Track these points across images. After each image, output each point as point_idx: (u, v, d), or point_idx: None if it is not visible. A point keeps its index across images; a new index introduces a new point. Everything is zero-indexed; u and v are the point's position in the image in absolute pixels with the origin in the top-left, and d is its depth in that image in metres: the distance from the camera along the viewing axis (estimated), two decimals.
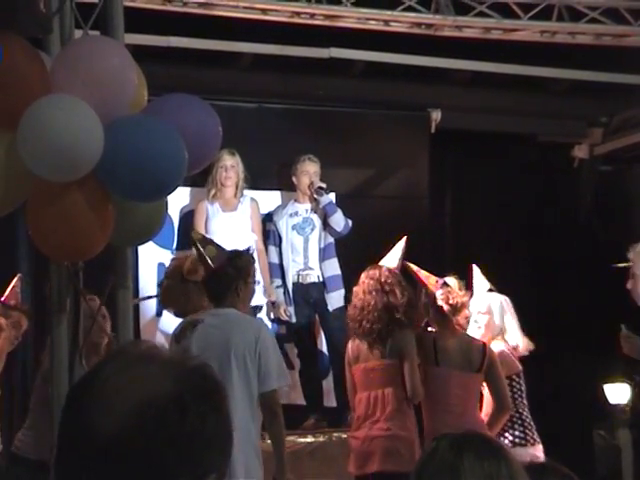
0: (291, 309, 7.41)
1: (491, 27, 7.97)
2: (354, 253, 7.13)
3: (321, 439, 6.90)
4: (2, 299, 6.03)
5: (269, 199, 7.85)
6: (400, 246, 6.00)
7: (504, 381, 5.78)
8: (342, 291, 7.18)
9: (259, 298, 6.88)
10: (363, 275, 5.84)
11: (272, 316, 7.47)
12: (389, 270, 5.79)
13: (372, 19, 7.80)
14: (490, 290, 6.17)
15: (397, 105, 8.50)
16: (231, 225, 7.31)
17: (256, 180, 7.68)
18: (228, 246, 5.56)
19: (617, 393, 8.05)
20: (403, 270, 5.96)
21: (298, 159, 7.57)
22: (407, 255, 6.07)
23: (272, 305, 7.42)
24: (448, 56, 8.23)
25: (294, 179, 7.58)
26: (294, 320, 7.42)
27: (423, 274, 5.89)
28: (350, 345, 5.80)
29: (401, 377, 5.56)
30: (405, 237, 6.04)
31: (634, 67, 8.45)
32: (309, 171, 7.52)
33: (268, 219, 7.67)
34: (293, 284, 7.41)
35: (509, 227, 9.09)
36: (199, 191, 7.53)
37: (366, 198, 8.42)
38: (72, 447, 1.35)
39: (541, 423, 6.04)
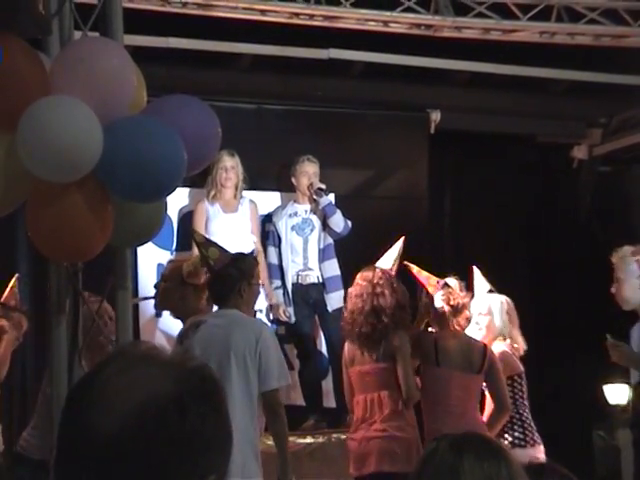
0: (290, 310, 7.41)
1: (490, 28, 7.97)
2: (353, 254, 7.14)
3: (320, 440, 6.90)
4: (1, 300, 6.03)
5: (268, 200, 7.86)
6: (397, 247, 6.00)
7: (504, 382, 5.78)
8: (342, 292, 7.16)
9: (260, 301, 6.88)
10: (357, 277, 5.86)
11: (271, 317, 7.47)
12: (382, 271, 5.79)
13: (371, 20, 7.80)
14: (490, 291, 6.17)
15: (396, 106, 8.50)
16: (232, 226, 7.31)
17: (255, 181, 7.68)
18: (229, 247, 5.57)
19: (616, 394, 8.05)
20: (403, 271, 5.96)
21: (297, 160, 7.57)
22: (406, 256, 6.07)
23: (270, 307, 7.43)
24: (447, 57, 8.24)
25: (293, 180, 7.59)
26: (293, 321, 7.42)
27: (424, 275, 5.90)
28: (346, 347, 5.81)
29: (396, 379, 5.57)
30: (402, 238, 6.03)
31: (633, 68, 8.45)
32: (308, 172, 7.52)
33: (267, 220, 7.68)
34: (292, 285, 7.41)
35: (508, 228, 9.10)
36: (198, 192, 7.53)
37: (365, 199, 8.42)
38: (72, 448, 1.35)
39: (541, 423, 6.04)
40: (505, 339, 6.07)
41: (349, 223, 7.41)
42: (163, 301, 5.59)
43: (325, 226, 7.43)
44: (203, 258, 5.27)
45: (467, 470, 1.80)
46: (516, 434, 5.88)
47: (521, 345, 6.10)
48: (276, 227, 7.50)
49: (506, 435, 5.84)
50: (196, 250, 5.94)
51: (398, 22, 7.82)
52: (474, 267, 6.21)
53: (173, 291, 5.42)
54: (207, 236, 6.92)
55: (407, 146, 8.59)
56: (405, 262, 6.00)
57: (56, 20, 4.11)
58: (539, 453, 5.91)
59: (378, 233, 6.96)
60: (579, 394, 8.25)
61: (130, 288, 4.30)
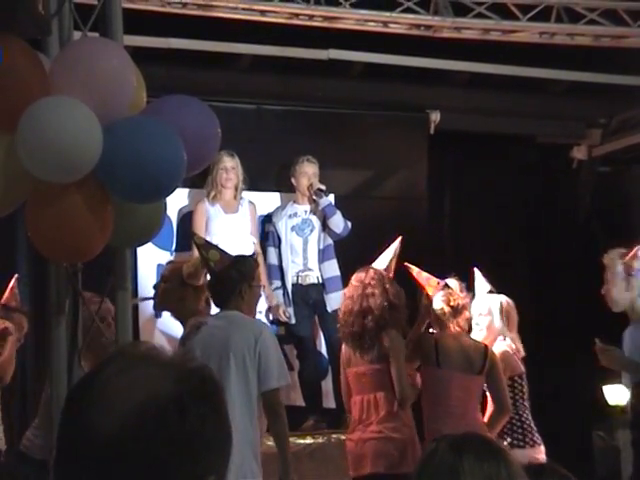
0: (290, 310, 7.41)
1: (490, 28, 7.97)
2: (353, 254, 7.13)
3: (320, 440, 6.90)
4: (2, 301, 6.03)
5: (268, 200, 7.86)
6: (393, 247, 6.00)
7: (504, 383, 5.78)
8: (341, 292, 7.14)
9: (260, 303, 6.88)
10: (352, 278, 5.88)
11: (271, 317, 7.47)
12: (375, 272, 5.80)
13: (371, 20, 7.80)
14: (490, 292, 6.17)
15: (396, 106, 8.50)
16: (233, 227, 7.32)
17: (255, 181, 7.68)
18: (230, 248, 5.57)
19: (616, 394, 8.05)
20: (403, 272, 5.96)
21: (297, 160, 7.57)
22: (406, 256, 6.08)
23: (269, 308, 7.43)
24: (447, 57, 8.24)
25: (293, 180, 7.59)
26: (293, 321, 7.43)
27: (424, 276, 5.90)
28: (343, 348, 5.84)
29: (391, 381, 5.59)
30: (400, 238, 6.03)
31: (633, 68, 8.45)
32: (308, 172, 7.52)
33: (267, 220, 7.68)
34: (292, 285, 7.42)
35: (508, 228, 9.10)
36: (198, 192, 7.53)
37: (365, 199, 8.42)
38: (72, 448, 1.35)
39: (540, 424, 6.04)
40: (505, 339, 6.07)
41: (349, 224, 7.42)
42: (163, 302, 5.59)
43: (325, 227, 7.43)
44: (204, 260, 5.29)
45: (467, 470, 1.80)
46: (515, 435, 5.88)
47: (517, 346, 6.09)
48: (276, 228, 7.51)
49: (505, 436, 5.84)
50: (196, 251, 5.96)
51: (398, 23, 7.82)
52: (475, 269, 6.21)
53: (173, 292, 5.43)
54: (208, 236, 6.96)
55: (407, 146, 8.59)
56: (405, 263, 6.00)
57: (56, 20, 4.11)
58: (539, 454, 5.91)
59: (378, 233, 6.95)
60: (579, 394, 8.25)
61: (130, 288, 4.30)
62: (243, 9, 7.46)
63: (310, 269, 7.43)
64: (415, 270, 5.94)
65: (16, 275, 6.27)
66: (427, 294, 5.84)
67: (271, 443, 5.21)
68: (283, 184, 7.82)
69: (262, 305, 7.15)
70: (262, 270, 7.04)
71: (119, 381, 1.35)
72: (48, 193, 3.74)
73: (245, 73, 8.11)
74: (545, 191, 9.32)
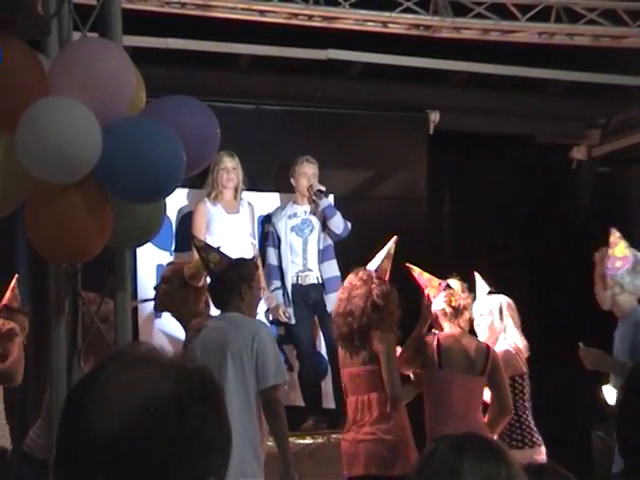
0: (290, 310, 7.41)
1: (489, 28, 7.97)
2: (352, 254, 7.13)
3: (320, 440, 6.91)
4: (4, 302, 6.02)
5: (268, 201, 7.86)
6: (387, 247, 6.01)
7: (506, 384, 5.77)
8: None
9: (260, 306, 6.90)
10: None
11: (270, 318, 7.47)
12: (363, 273, 5.81)
13: (370, 20, 7.80)
14: (490, 292, 6.17)
15: (395, 106, 8.50)
16: (234, 227, 7.33)
17: (255, 181, 7.69)
18: (230, 248, 5.59)
19: (615, 394, 8.04)
20: (404, 272, 5.96)
21: (296, 161, 7.57)
22: (405, 256, 6.07)
23: (268, 310, 7.43)
24: (446, 57, 8.24)
25: (292, 181, 7.59)
26: (293, 321, 7.43)
27: (426, 277, 5.90)
28: (339, 349, 5.87)
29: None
30: (394, 237, 6.03)
31: (632, 68, 8.46)
32: (307, 173, 7.52)
33: (267, 221, 7.68)
34: (292, 285, 7.42)
35: (507, 228, 9.09)
36: (197, 193, 7.53)
37: (364, 199, 8.42)
38: (71, 448, 1.35)
39: (540, 424, 6.04)
40: (507, 338, 6.06)
41: (349, 225, 7.42)
42: (163, 303, 5.61)
43: (325, 227, 7.43)
44: (203, 262, 5.31)
45: (467, 471, 1.80)
46: (514, 435, 5.88)
47: (518, 346, 6.08)
48: (275, 228, 7.51)
49: (504, 436, 5.84)
50: (196, 253, 5.99)
51: (397, 23, 7.82)
52: (475, 272, 6.21)
53: (174, 293, 5.44)
54: (209, 236, 6.99)
55: (406, 147, 8.59)
56: (407, 264, 6.00)
57: (55, 21, 4.11)
58: (538, 454, 5.90)
59: (377, 234, 6.94)
60: (578, 394, 8.24)
61: (129, 289, 4.30)
62: (242, 9, 7.46)
63: (310, 269, 7.43)
64: (416, 271, 5.94)
65: (16, 275, 6.27)
66: (428, 295, 5.84)
67: (271, 443, 5.21)
68: (282, 184, 7.82)
69: (261, 307, 7.16)
70: (261, 273, 7.05)
71: (119, 382, 1.35)
72: (47, 194, 3.73)
73: (244, 73, 8.11)
74: (544, 191, 9.31)
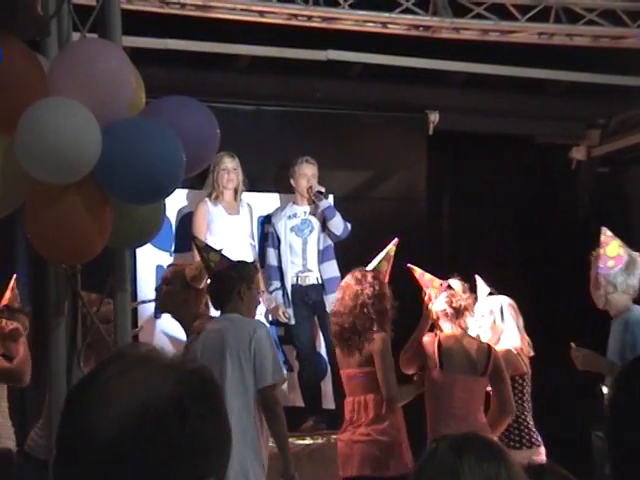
0: (290, 311, 7.41)
1: (488, 29, 7.97)
2: (352, 255, 7.13)
3: (319, 441, 6.91)
4: (5, 302, 6.01)
5: (267, 201, 7.86)
6: (387, 249, 6.01)
7: (508, 384, 5.77)
8: None
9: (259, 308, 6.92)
10: None
11: (270, 318, 7.47)
12: (358, 274, 5.84)
13: (369, 21, 7.80)
14: (490, 293, 6.17)
15: (395, 107, 8.50)
16: (234, 228, 7.34)
17: (254, 182, 7.69)
18: (230, 249, 5.61)
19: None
20: (406, 273, 5.96)
21: (296, 161, 7.57)
22: (405, 257, 6.08)
23: (267, 311, 7.43)
24: (445, 58, 8.24)
25: (292, 181, 7.59)
26: (293, 322, 7.43)
27: (427, 277, 5.90)
28: (336, 349, 5.90)
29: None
30: (395, 240, 6.03)
31: (632, 69, 8.46)
32: (307, 173, 7.52)
33: (267, 221, 7.68)
34: (292, 286, 7.42)
35: (507, 228, 9.10)
36: (197, 193, 7.53)
37: (364, 200, 8.42)
38: (71, 449, 1.35)
39: (539, 424, 6.03)
40: (508, 338, 6.06)
41: (349, 226, 7.42)
42: (165, 304, 5.61)
43: (324, 227, 7.44)
44: (204, 261, 5.33)
45: (467, 471, 1.80)
46: (512, 436, 5.87)
47: (519, 346, 6.08)
48: (275, 228, 7.50)
49: (502, 436, 5.83)
50: (197, 253, 6.01)
51: (396, 23, 7.82)
52: (476, 275, 6.21)
53: (175, 294, 5.46)
54: (209, 236, 7.00)
55: (405, 147, 8.59)
56: (409, 265, 6.01)
57: (54, 21, 4.11)
58: (537, 455, 5.89)
59: (376, 234, 6.95)
60: (578, 395, 8.24)
61: (129, 290, 4.30)
62: (241, 10, 7.46)
63: (310, 270, 7.43)
64: (418, 271, 5.94)
65: (15, 275, 6.26)
66: (429, 295, 5.84)
67: (271, 444, 5.22)
68: (282, 185, 7.82)
69: (260, 309, 7.16)
70: (260, 277, 7.07)
71: (119, 382, 1.35)
72: (47, 194, 3.73)
73: (244, 74, 8.11)
74: (544, 191, 9.31)
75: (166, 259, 7.40)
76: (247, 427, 4.93)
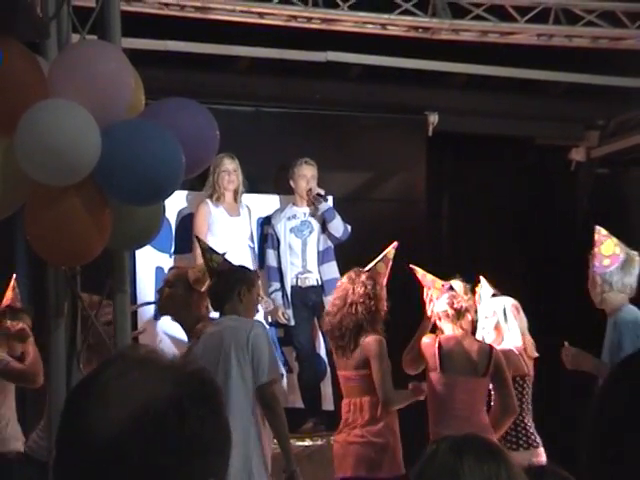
0: (289, 312, 7.41)
1: (488, 30, 7.98)
2: (351, 256, 7.14)
3: (319, 442, 6.91)
4: (7, 302, 5.99)
5: (267, 202, 7.86)
6: (385, 251, 6.02)
7: (510, 384, 5.76)
8: None
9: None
10: None
11: (270, 319, 7.47)
12: (351, 275, 5.85)
13: (369, 23, 7.80)
14: (494, 295, 6.17)
15: (394, 108, 8.50)
16: (235, 230, 7.35)
17: (254, 183, 7.69)
18: (230, 250, 5.64)
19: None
20: (408, 274, 5.96)
21: (295, 163, 7.57)
22: (404, 258, 6.08)
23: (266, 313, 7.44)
24: (445, 59, 8.24)
25: (292, 183, 7.59)
26: (292, 323, 7.43)
27: (429, 278, 5.90)
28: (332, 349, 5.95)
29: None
30: (395, 243, 6.04)
31: (631, 70, 8.46)
32: (306, 175, 7.52)
33: (266, 223, 7.69)
34: (292, 287, 7.42)
35: (506, 230, 9.10)
36: (197, 195, 7.53)
37: (363, 201, 8.42)
38: (71, 450, 1.35)
39: (539, 425, 6.03)
40: (512, 339, 6.06)
41: (349, 228, 7.42)
42: (167, 306, 5.62)
43: (324, 229, 7.44)
44: (206, 261, 5.37)
45: (467, 472, 1.80)
46: (508, 437, 5.86)
47: (522, 347, 6.07)
48: (275, 230, 7.51)
49: (499, 437, 5.82)
50: (198, 254, 6.04)
51: (396, 25, 7.82)
52: (481, 276, 6.21)
53: (178, 297, 5.48)
54: (210, 237, 7.02)
55: (405, 148, 8.59)
56: (411, 265, 6.01)
57: (54, 23, 4.11)
58: (536, 456, 5.88)
59: (376, 235, 6.96)
60: (578, 395, 8.23)
61: (128, 291, 4.30)
62: (241, 11, 7.47)
63: (309, 271, 7.43)
64: (420, 272, 5.94)
65: (14, 275, 6.25)
66: (431, 296, 5.84)
67: (274, 444, 5.24)
68: (282, 186, 7.82)
69: (259, 315, 7.18)
70: (260, 284, 7.09)
71: (118, 384, 1.35)
72: (47, 196, 3.73)
73: (243, 75, 8.11)
74: (543, 193, 9.31)
75: (166, 261, 7.40)
76: (249, 425, 4.94)
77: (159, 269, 7.33)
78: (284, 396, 6.50)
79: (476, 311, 5.97)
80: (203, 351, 5.05)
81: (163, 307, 5.71)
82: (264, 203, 7.83)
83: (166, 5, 7.26)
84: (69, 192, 3.70)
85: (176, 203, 7.45)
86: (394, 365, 5.77)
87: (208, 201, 7.37)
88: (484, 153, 8.92)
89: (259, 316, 7.14)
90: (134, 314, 6.68)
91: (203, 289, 5.46)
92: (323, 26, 7.71)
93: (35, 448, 5.43)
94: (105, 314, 4.43)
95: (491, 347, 5.79)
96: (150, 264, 7.43)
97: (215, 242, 6.71)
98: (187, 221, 7.50)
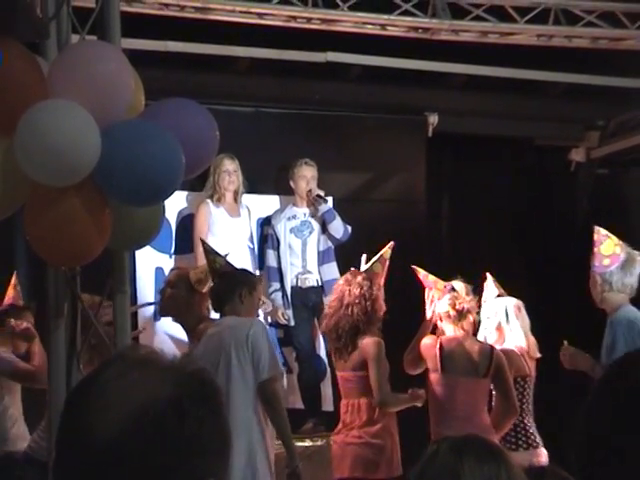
0: (289, 312, 7.41)
1: (488, 31, 7.98)
2: (351, 256, 7.13)
3: (319, 443, 6.90)
4: (10, 301, 5.98)
5: (267, 203, 7.86)
6: (382, 251, 6.02)
7: (511, 384, 5.77)
8: None
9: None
10: None
11: (269, 320, 7.47)
12: (347, 277, 5.87)
13: (369, 23, 7.81)
14: (499, 295, 6.16)
15: (394, 109, 8.51)
16: (235, 231, 7.36)
17: (254, 184, 7.69)
18: (231, 251, 5.63)
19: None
20: (410, 274, 5.96)
21: (295, 163, 7.57)
22: (404, 258, 6.08)
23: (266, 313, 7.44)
24: (445, 60, 8.24)
25: (292, 183, 7.59)
26: (292, 324, 7.43)
27: (431, 279, 5.90)
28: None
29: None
30: (391, 243, 6.03)
31: (631, 70, 8.46)
32: (306, 175, 7.53)
33: (266, 223, 7.69)
34: (292, 287, 7.42)
35: (506, 230, 9.10)
36: (197, 195, 7.54)
37: (363, 202, 8.42)
38: (71, 451, 1.35)
39: (540, 425, 6.03)
40: (514, 339, 6.06)
41: (349, 228, 7.42)
42: (169, 307, 5.63)
43: (324, 230, 7.44)
44: (209, 262, 5.39)
45: (467, 473, 1.80)
46: (507, 437, 5.86)
47: (524, 347, 6.06)
48: (275, 230, 7.51)
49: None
50: (199, 254, 6.04)
51: (395, 25, 7.83)
52: (487, 274, 6.21)
53: (180, 297, 5.49)
54: (210, 237, 7.03)
55: (405, 149, 8.60)
56: (413, 266, 6.01)
57: (54, 24, 4.11)
58: (536, 457, 5.88)
59: (376, 236, 6.96)
60: (579, 396, 8.23)
61: (128, 292, 4.30)
62: (241, 12, 7.47)
63: (309, 272, 7.43)
64: (422, 273, 5.94)
65: (15, 271, 6.24)
66: (432, 297, 5.84)
67: (276, 443, 5.25)
68: (282, 187, 7.82)
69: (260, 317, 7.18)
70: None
71: (118, 384, 1.35)
72: (46, 196, 3.73)
73: (243, 76, 8.11)
74: (543, 193, 9.32)
75: (166, 261, 7.41)
76: (251, 423, 4.94)
77: (159, 269, 7.33)
78: (284, 397, 6.49)
79: (478, 312, 5.97)
80: (204, 352, 5.06)
81: (164, 308, 5.71)
82: (264, 204, 7.83)
83: (166, 6, 7.26)
84: (69, 192, 3.70)
85: (176, 203, 7.45)
86: (393, 366, 5.77)
87: (209, 201, 7.37)
88: (484, 154, 8.92)
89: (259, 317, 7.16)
90: (134, 314, 6.68)
91: (204, 290, 5.48)
92: (323, 27, 7.71)
93: (36, 448, 5.43)
94: (106, 314, 4.43)
95: (492, 348, 5.79)
96: (150, 265, 7.43)
97: (215, 242, 6.71)
98: (187, 222, 7.51)
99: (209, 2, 7.34)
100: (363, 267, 5.93)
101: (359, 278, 5.79)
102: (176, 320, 5.70)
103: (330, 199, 7.70)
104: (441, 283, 5.85)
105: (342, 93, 8.39)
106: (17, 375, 5.70)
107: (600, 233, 5.60)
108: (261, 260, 7.58)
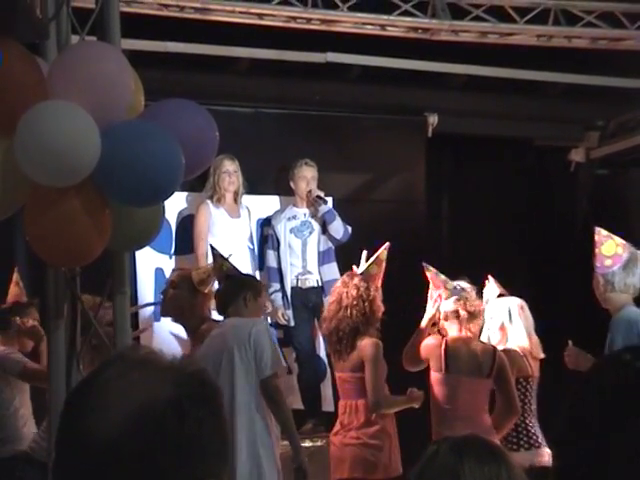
0: (289, 313, 7.41)
1: (487, 31, 7.98)
2: (351, 257, 7.13)
3: (319, 443, 6.90)
4: (14, 298, 5.96)
5: (267, 204, 7.86)
6: (378, 252, 6.02)
7: (513, 385, 5.76)
8: None
9: None
10: None
11: (270, 320, 7.46)
12: (348, 276, 5.88)
13: (368, 24, 7.81)
14: (500, 295, 6.16)
15: (394, 109, 8.51)
16: (235, 231, 7.36)
17: (254, 185, 7.69)
18: (232, 251, 5.64)
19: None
20: (417, 274, 5.96)
21: (295, 164, 7.57)
22: (404, 259, 6.08)
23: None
24: (444, 60, 8.25)
25: (292, 184, 7.59)
26: (292, 324, 7.43)
27: (442, 278, 5.88)
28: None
29: None
30: (387, 244, 6.03)
31: (630, 71, 8.46)
32: (306, 176, 7.53)
33: (266, 223, 7.69)
34: (292, 288, 7.42)
35: (506, 231, 9.10)
36: (197, 196, 7.54)
37: (363, 202, 8.42)
38: (70, 451, 1.35)
39: (541, 426, 6.03)
40: (516, 339, 6.05)
41: (349, 229, 7.42)
42: (171, 307, 5.63)
43: (325, 230, 7.44)
44: (217, 267, 5.43)
45: (467, 473, 1.80)
46: (509, 437, 5.86)
47: (526, 348, 6.06)
48: (275, 230, 7.51)
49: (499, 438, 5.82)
50: (200, 255, 6.04)
51: (395, 26, 7.83)
52: (489, 275, 6.21)
53: (182, 298, 5.50)
54: (211, 237, 7.04)
55: (404, 149, 8.60)
56: (424, 263, 5.99)
57: (53, 24, 4.11)
58: (538, 457, 5.88)
59: (376, 236, 6.95)
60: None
61: (128, 292, 4.31)
62: (240, 13, 7.47)
63: (309, 272, 7.43)
64: (432, 271, 5.91)
65: (15, 267, 6.23)
66: (439, 295, 5.82)
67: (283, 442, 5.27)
68: (282, 187, 7.83)
69: None
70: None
71: (118, 385, 1.35)
72: (46, 197, 3.73)
73: (243, 76, 8.11)
74: (543, 194, 9.32)
75: (166, 262, 7.41)
76: (255, 421, 4.95)
77: (159, 270, 7.33)
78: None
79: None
80: (207, 353, 5.07)
81: (166, 308, 5.71)
82: (264, 204, 7.83)
83: (165, 6, 7.26)
84: (69, 193, 3.70)
85: (176, 204, 7.45)
86: (392, 366, 5.77)
87: (209, 202, 7.37)
88: (484, 154, 8.93)
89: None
90: (134, 315, 6.67)
91: (207, 290, 5.50)
92: (322, 27, 7.71)
93: (36, 449, 5.43)
94: (107, 314, 4.43)
95: (494, 348, 5.78)
96: (150, 265, 7.43)
97: (215, 243, 6.72)
98: (187, 222, 7.51)
99: (209, 3, 7.34)
100: (360, 268, 5.92)
101: (356, 280, 5.80)
102: (178, 321, 5.71)
103: (330, 199, 7.70)
104: (451, 283, 5.83)
105: (342, 94, 8.39)
106: (26, 375, 5.69)
107: (601, 234, 5.59)
108: (261, 261, 7.58)
